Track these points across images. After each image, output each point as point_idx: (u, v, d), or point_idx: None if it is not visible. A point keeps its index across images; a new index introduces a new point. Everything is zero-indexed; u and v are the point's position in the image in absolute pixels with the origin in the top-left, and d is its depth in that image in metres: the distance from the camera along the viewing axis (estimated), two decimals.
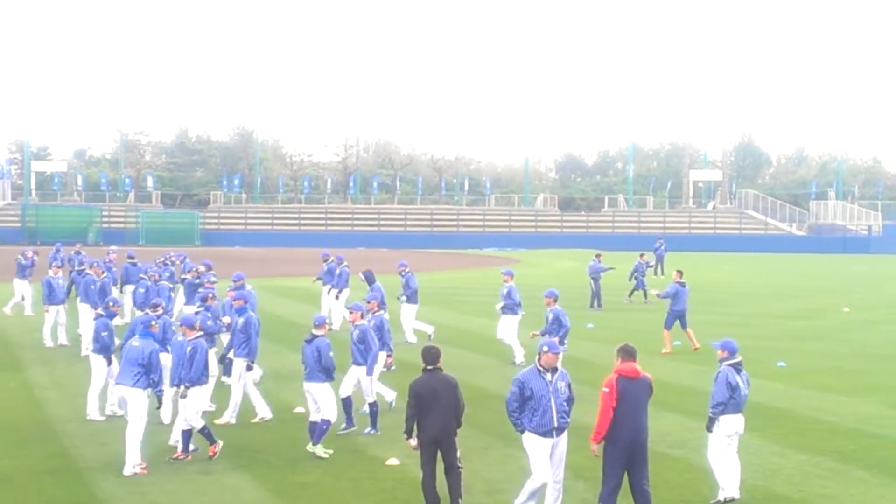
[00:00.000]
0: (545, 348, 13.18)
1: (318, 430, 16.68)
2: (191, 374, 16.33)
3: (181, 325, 17.11)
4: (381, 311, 21.66)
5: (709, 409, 14.43)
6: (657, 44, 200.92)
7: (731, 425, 14.35)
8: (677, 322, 28.97)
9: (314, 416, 16.86)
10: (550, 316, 23.51)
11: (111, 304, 19.90)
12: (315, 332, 17.09)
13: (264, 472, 15.84)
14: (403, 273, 30.90)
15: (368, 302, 20.62)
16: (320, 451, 16.62)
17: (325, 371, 16.79)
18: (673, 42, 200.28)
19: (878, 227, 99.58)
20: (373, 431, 18.16)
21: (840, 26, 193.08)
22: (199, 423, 16.26)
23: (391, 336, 21.28)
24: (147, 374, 15.88)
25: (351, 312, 19.09)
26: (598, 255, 44.83)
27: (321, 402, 16.76)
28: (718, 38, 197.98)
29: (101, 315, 19.59)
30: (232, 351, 19.77)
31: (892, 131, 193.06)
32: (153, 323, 16.82)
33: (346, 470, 16.00)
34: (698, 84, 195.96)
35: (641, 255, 45.64)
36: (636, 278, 43.54)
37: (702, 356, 27.21)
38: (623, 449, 12.73)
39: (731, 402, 14.26)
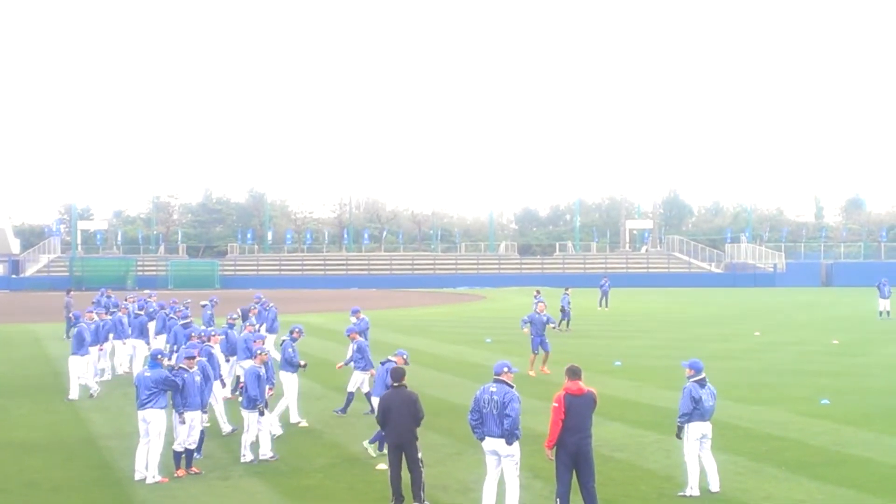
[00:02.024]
0: (505, 368, 13.23)
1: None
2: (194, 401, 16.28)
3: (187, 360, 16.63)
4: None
5: (676, 419, 14.57)
6: (599, 114, 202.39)
7: (698, 430, 14.44)
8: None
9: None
10: (354, 346, 21.77)
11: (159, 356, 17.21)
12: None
13: (275, 478, 15.72)
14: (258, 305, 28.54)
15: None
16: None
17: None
18: (611, 112, 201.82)
19: (783, 265, 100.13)
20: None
21: (750, 94, 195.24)
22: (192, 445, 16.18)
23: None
24: (160, 395, 15.68)
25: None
26: (566, 290, 45.13)
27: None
28: (647, 110, 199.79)
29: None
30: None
31: (792, 186, 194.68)
32: (159, 357, 16.57)
33: (344, 475, 15.91)
34: (632, 147, 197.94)
35: (566, 290, 45.58)
36: (563, 310, 43.10)
37: (641, 373, 27.29)
38: (570, 453, 12.70)
39: (695, 412, 14.38)
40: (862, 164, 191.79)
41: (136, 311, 28.87)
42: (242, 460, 16.76)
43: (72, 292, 42.56)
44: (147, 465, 15.50)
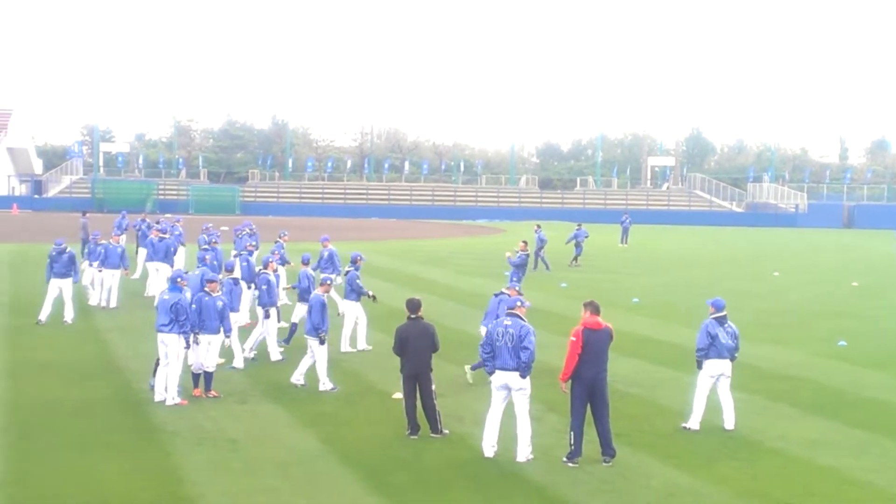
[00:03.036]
0: (518, 303, 13.30)
1: None
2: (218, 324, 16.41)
3: (209, 283, 16.74)
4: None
5: (695, 353, 14.72)
6: (623, 49, 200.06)
7: (713, 368, 14.54)
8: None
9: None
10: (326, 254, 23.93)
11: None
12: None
13: (292, 404, 15.85)
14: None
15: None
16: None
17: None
18: (635, 47, 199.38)
19: (804, 205, 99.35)
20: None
21: (776, 33, 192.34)
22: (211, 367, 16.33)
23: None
24: (177, 321, 15.72)
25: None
26: (579, 225, 44.82)
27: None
28: (674, 44, 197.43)
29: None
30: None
31: (817, 126, 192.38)
32: (179, 280, 16.56)
33: (359, 402, 16.03)
34: (656, 83, 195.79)
35: (579, 225, 45.15)
36: (577, 244, 42.83)
37: (659, 311, 27.28)
38: (586, 387, 12.75)
39: (711, 348, 14.48)
40: (888, 106, 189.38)
41: (162, 235, 28.92)
42: (293, 380, 16.99)
43: (87, 214, 42.59)
44: (166, 387, 15.64)
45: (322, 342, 16.69)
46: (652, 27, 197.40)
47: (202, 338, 16.12)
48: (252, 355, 19.13)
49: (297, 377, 17.07)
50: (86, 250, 26.32)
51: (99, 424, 14.33)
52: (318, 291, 17.20)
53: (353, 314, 20.40)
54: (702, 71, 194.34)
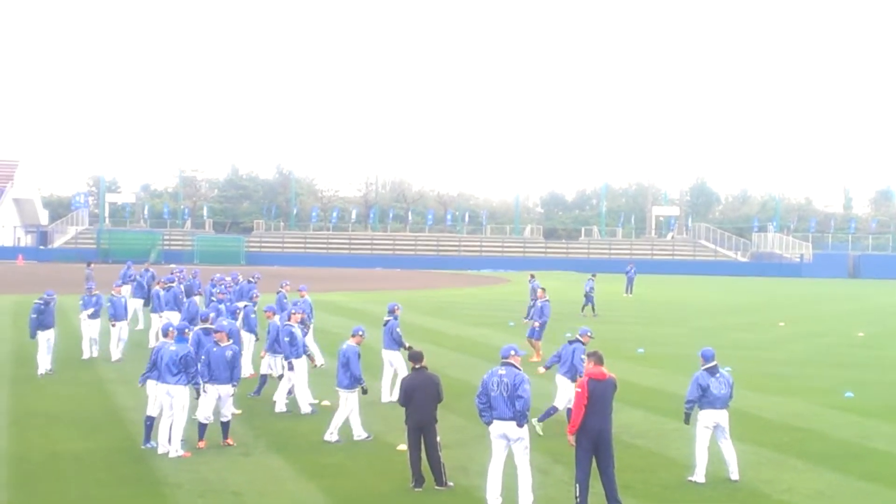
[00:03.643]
0: (512, 351, 13.23)
1: None
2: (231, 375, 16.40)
3: (218, 332, 16.92)
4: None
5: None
6: (627, 99, 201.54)
7: (709, 418, 14.50)
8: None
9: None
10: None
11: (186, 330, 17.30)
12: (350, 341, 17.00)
13: (295, 455, 15.79)
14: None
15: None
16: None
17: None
18: (640, 98, 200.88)
19: (809, 255, 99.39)
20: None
21: (780, 84, 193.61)
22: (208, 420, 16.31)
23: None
24: (186, 372, 15.71)
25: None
26: (593, 276, 44.99)
27: None
28: (678, 95, 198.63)
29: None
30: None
31: (821, 176, 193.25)
32: (186, 330, 16.61)
33: (363, 454, 15.95)
34: (661, 133, 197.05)
35: (593, 275, 45.41)
36: (587, 295, 43.06)
37: (664, 361, 27.23)
38: (592, 439, 12.68)
39: (703, 399, 14.45)
40: (892, 156, 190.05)
41: (169, 284, 29.02)
42: (326, 438, 16.70)
43: (92, 265, 42.66)
44: (170, 439, 15.59)
45: (365, 392, 16.63)
46: (656, 78, 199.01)
47: (210, 388, 16.11)
48: (335, 438, 17.07)
49: (332, 434, 16.75)
50: (81, 303, 26.35)
51: (102, 477, 14.26)
52: (350, 342, 16.88)
53: (392, 363, 20.43)
54: (706, 121, 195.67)
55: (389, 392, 20.31)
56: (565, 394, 17.39)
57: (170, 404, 15.68)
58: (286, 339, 19.16)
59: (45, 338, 23.40)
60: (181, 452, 15.48)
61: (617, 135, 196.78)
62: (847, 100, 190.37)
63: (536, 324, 27.29)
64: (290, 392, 19.42)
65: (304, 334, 20.11)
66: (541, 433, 16.80)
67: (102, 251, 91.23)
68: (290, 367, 19.17)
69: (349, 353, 16.60)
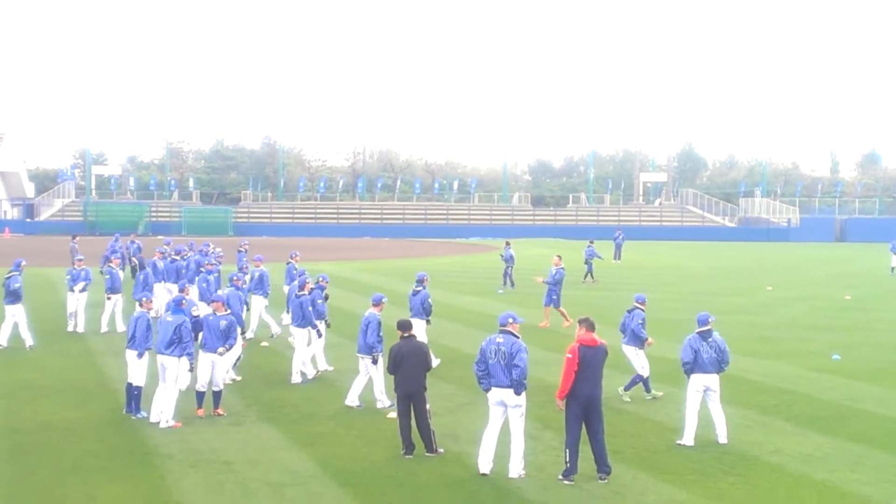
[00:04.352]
0: (510, 319, 13.22)
1: None
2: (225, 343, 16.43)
3: (214, 302, 17.06)
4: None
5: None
6: (614, 66, 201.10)
7: (699, 382, 14.63)
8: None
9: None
10: (256, 274, 24.42)
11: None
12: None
13: (286, 425, 15.82)
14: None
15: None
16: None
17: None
18: (626, 64, 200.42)
19: (796, 219, 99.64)
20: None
21: (766, 48, 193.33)
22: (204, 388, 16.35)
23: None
24: (180, 343, 15.72)
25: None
26: (591, 242, 45.05)
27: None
28: (665, 60, 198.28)
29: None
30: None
31: (808, 141, 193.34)
32: (182, 302, 16.62)
33: (355, 422, 15.99)
34: (648, 99, 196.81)
35: (591, 242, 45.50)
36: (587, 262, 43.37)
37: (653, 327, 27.21)
38: (582, 405, 12.73)
39: (695, 363, 14.56)
40: (878, 119, 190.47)
41: (173, 256, 28.92)
42: (347, 402, 16.90)
43: (77, 238, 42.45)
44: (162, 409, 15.61)
45: (375, 361, 16.66)
46: (643, 44, 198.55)
47: (204, 356, 16.14)
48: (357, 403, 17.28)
49: (353, 399, 16.93)
50: (69, 276, 26.09)
51: (93, 447, 14.29)
52: (373, 310, 17.02)
53: (421, 332, 19.94)
54: (693, 87, 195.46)
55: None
56: (638, 361, 17.78)
57: (163, 375, 15.70)
58: (309, 307, 19.28)
59: (12, 313, 23.14)
60: (172, 423, 15.50)
61: (604, 101, 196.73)
62: (833, 63, 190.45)
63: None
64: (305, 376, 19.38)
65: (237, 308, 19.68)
66: (628, 400, 17.39)
67: (89, 223, 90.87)
68: (319, 335, 19.55)
69: (370, 319, 16.78)
